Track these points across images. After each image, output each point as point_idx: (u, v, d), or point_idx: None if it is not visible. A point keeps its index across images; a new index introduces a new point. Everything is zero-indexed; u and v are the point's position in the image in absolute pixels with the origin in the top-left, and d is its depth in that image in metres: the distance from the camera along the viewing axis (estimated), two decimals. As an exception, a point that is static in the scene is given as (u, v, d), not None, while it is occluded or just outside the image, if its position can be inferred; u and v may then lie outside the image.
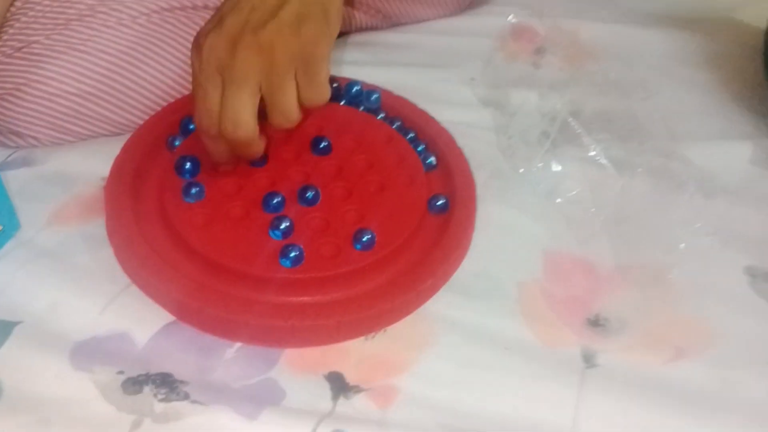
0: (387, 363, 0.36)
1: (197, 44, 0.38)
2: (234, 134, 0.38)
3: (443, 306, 0.39)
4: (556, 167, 0.46)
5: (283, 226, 0.39)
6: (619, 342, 0.39)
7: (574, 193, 0.46)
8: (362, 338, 0.38)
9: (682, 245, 0.43)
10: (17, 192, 0.43)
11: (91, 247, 0.40)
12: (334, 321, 0.36)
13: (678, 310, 0.41)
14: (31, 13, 0.47)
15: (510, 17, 0.60)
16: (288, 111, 0.39)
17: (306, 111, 0.41)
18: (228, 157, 0.41)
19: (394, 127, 0.49)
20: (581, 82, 0.57)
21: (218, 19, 0.38)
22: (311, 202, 0.42)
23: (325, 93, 0.40)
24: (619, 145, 0.49)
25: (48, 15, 0.47)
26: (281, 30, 0.37)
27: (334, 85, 0.50)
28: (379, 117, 0.50)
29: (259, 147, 0.41)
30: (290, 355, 0.36)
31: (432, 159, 0.47)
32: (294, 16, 0.38)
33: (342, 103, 0.50)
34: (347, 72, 0.53)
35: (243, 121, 0.38)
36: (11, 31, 0.47)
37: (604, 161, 0.46)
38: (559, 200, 0.45)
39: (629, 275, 0.43)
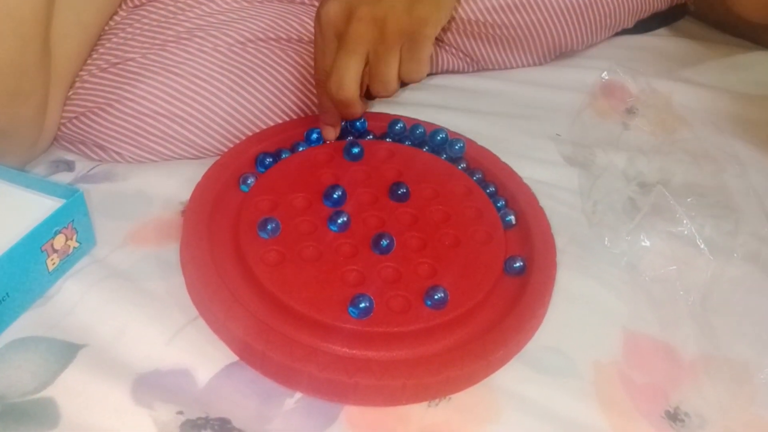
0: (449, 434, 0.35)
1: (319, 11, 0.43)
2: (337, 94, 0.42)
3: (512, 379, 0.37)
4: (645, 242, 0.44)
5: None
6: (698, 442, 0.36)
7: (661, 271, 0.43)
8: (425, 404, 0.36)
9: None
10: (96, 206, 0.43)
11: (163, 272, 0.40)
12: (399, 383, 0.35)
13: (763, 413, 0.38)
14: (129, 30, 0.48)
15: (604, 74, 0.58)
16: (388, 81, 0.43)
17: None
18: (332, 115, 0.46)
19: (474, 179, 0.47)
20: (672, 149, 0.55)
21: None
22: (385, 250, 0.40)
23: (424, 71, 0.44)
24: (712, 223, 0.46)
25: (146, 34, 0.47)
26: (395, 7, 0.41)
27: (419, 131, 0.50)
28: (460, 167, 0.48)
29: (357, 110, 0.44)
30: (350, 412, 0.35)
31: (511, 217, 0.45)
32: None
33: (425, 149, 0.49)
34: (428, 115, 0.52)
35: (346, 83, 0.42)
36: (108, 45, 0.48)
37: (698, 240, 0.43)
38: (646, 277, 0.42)
39: (713, 367, 0.40)
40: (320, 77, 0.44)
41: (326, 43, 0.43)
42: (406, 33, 0.41)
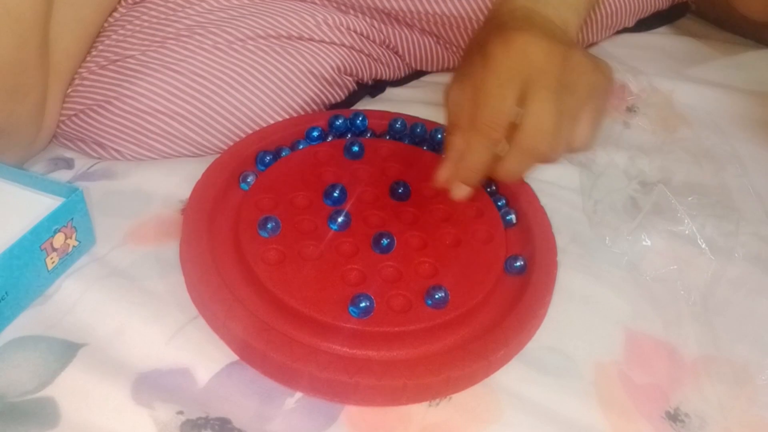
0: (449, 434, 0.35)
1: (507, 40, 0.36)
2: (537, 143, 0.35)
3: (513, 379, 0.37)
4: (646, 242, 0.44)
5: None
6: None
7: (662, 270, 0.43)
8: (426, 403, 0.36)
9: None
10: (95, 204, 0.43)
11: (163, 271, 0.40)
12: (399, 383, 0.35)
13: (764, 414, 0.38)
14: (129, 27, 0.48)
15: (604, 73, 0.58)
16: (564, 143, 0.36)
17: None
18: (481, 174, 0.37)
19: (475, 177, 0.47)
20: (673, 148, 0.55)
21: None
22: (385, 249, 0.40)
23: (593, 141, 0.38)
24: (713, 223, 0.46)
25: (146, 31, 0.47)
26: (588, 57, 0.37)
27: (419, 129, 0.49)
28: (460, 165, 0.48)
29: (534, 166, 0.37)
30: (351, 412, 0.35)
31: (512, 216, 0.45)
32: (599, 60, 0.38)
33: (425, 147, 0.49)
34: (426, 113, 0.52)
35: (551, 130, 0.34)
36: (107, 42, 0.48)
37: (699, 240, 0.43)
38: (647, 277, 0.42)
39: (713, 368, 0.40)
40: (494, 123, 0.35)
41: (510, 81, 0.35)
42: (596, 91, 0.36)
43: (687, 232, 0.44)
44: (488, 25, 0.40)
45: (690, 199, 0.47)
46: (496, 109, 0.35)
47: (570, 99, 0.35)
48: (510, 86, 0.35)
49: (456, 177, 0.38)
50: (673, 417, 0.37)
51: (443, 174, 0.39)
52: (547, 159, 0.36)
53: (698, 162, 0.53)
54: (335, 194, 0.42)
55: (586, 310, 0.41)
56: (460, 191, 0.39)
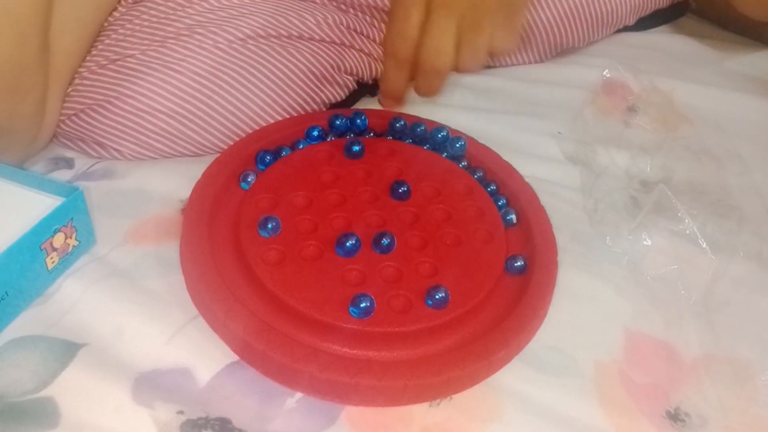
0: (450, 434, 0.34)
1: None
2: (435, 61, 0.38)
3: (513, 378, 0.37)
4: (647, 241, 0.44)
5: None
6: (698, 443, 0.36)
7: (663, 270, 0.43)
8: (427, 404, 0.36)
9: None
10: (95, 204, 0.43)
11: (163, 270, 0.39)
12: (400, 383, 0.35)
13: (764, 413, 0.38)
14: (129, 26, 0.48)
15: (605, 72, 0.58)
16: (480, 51, 0.39)
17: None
18: (401, 90, 0.41)
19: (475, 177, 0.47)
20: (673, 147, 0.55)
21: None
22: (386, 249, 0.40)
23: (515, 42, 0.41)
24: (714, 221, 0.46)
25: (146, 30, 0.47)
26: None
27: (419, 129, 0.49)
28: (461, 165, 0.48)
29: (442, 82, 0.40)
30: (351, 412, 0.35)
31: (512, 216, 0.45)
32: None
33: (426, 147, 0.49)
34: (430, 113, 0.52)
35: (446, 49, 0.38)
36: (107, 41, 0.48)
37: (700, 239, 0.43)
38: (648, 276, 0.42)
39: (714, 367, 0.40)
40: (399, 42, 0.39)
41: (413, 5, 0.38)
42: (506, 1, 0.38)
43: (688, 231, 0.44)
44: None
45: (688, 196, 0.47)
46: (398, 31, 0.39)
47: (475, 13, 0.38)
48: (412, 10, 0.38)
49: (382, 93, 0.42)
50: (674, 416, 0.37)
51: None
52: (445, 72, 0.39)
53: (699, 161, 0.53)
54: (348, 244, 0.40)
55: (586, 310, 0.41)
56: (389, 103, 0.44)
